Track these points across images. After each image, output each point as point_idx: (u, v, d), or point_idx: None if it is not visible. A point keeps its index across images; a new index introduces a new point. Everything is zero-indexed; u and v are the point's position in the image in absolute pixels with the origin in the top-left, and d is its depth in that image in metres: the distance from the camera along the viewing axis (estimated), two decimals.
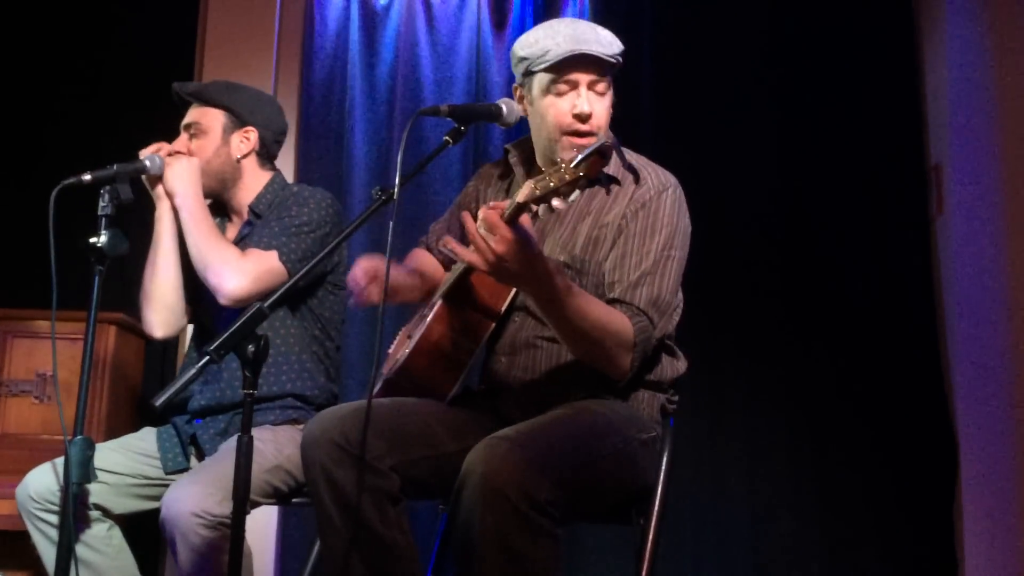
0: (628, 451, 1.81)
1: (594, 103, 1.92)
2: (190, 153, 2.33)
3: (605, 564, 3.16)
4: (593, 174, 1.53)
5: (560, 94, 1.92)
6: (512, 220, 1.59)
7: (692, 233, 1.99)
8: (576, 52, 1.89)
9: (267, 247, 2.22)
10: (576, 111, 1.90)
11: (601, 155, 1.52)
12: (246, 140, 2.37)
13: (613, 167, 1.97)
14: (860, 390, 3.27)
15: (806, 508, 3.21)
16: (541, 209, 1.55)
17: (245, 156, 2.38)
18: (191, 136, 2.35)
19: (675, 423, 1.99)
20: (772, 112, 3.44)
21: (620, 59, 1.95)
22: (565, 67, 1.91)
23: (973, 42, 3.33)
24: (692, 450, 3.20)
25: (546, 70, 1.92)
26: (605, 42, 1.92)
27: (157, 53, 3.39)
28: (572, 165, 1.52)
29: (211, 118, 2.35)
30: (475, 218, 1.69)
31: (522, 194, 1.58)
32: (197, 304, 2.39)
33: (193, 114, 2.37)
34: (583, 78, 1.91)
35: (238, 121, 2.37)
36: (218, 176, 2.36)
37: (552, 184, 1.53)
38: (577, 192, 1.55)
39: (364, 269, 1.97)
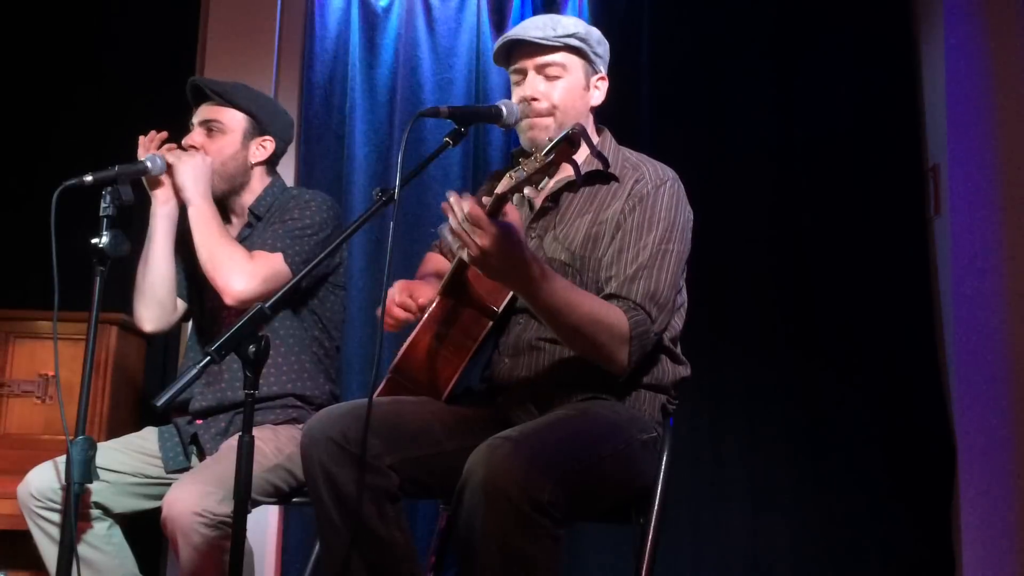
0: (629, 452, 1.81)
1: (539, 84, 1.98)
2: (205, 148, 2.34)
3: (604, 563, 3.16)
4: (562, 160, 1.57)
5: (516, 84, 2.03)
6: (494, 213, 1.61)
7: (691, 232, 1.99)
8: (507, 41, 2.01)
9: (272, 249, 2.24)
10: (521, 95, 1.99)
11: (569, 142, 1.55)
12: (263, 148, 2.40)
13: (612, 163, 1.99)
14: (858, 391, 3.27)
15: (804, 509, 3.22)
16: (516, 198, 1.59)
17: (259, 163, 2.41)
18: (209, 132, 2.36)
19: (675, 423, 2.00)
20: (771, 112, 3.45)
21: (572, 40, 1.98)
22: (511, 58, 2.02)
23: (970, 44, 3.34)
24: (692, 451, 3.21)
25: (506, 66, 2.05)
26: (541, 25, 2.00)
27: (158, 55, 3.40)
28: (543, 153, 1.57)
29: (233, 119, 2.37)
30: None
31: (501, 186, 1.62)
32: (198, 305, 2.41)
33: (213, 112, 2.37)
34: (527, 64, 2.00)
35: (258, 128, 2.39)
36: (230, 178, 2.37)
37: (525, 172, 1.58)
38: (547, 179, 1.60)
39: (400, 305, 1.96)
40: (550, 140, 1.58)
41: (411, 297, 1.96)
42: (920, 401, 3.26)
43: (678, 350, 2.01)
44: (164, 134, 2.34)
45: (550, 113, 1.97)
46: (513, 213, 1.64)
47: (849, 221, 3.36)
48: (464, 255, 1.65)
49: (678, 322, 2.00)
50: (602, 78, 2.06)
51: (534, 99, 1.97)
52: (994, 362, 3.20)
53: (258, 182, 2.41)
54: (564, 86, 1.98)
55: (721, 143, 3.43)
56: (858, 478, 3.21)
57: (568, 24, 2.01)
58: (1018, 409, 3.19)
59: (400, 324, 1.97)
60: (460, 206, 1.60)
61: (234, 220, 2.44)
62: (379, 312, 1.82)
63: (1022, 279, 3.24)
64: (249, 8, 3.45)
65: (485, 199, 1.65)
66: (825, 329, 3.32)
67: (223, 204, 2.43)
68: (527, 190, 1.59)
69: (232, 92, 2.38)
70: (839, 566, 3.18)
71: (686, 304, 2.03)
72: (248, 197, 2.40)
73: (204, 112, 2.37)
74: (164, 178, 2.29)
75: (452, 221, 1.62)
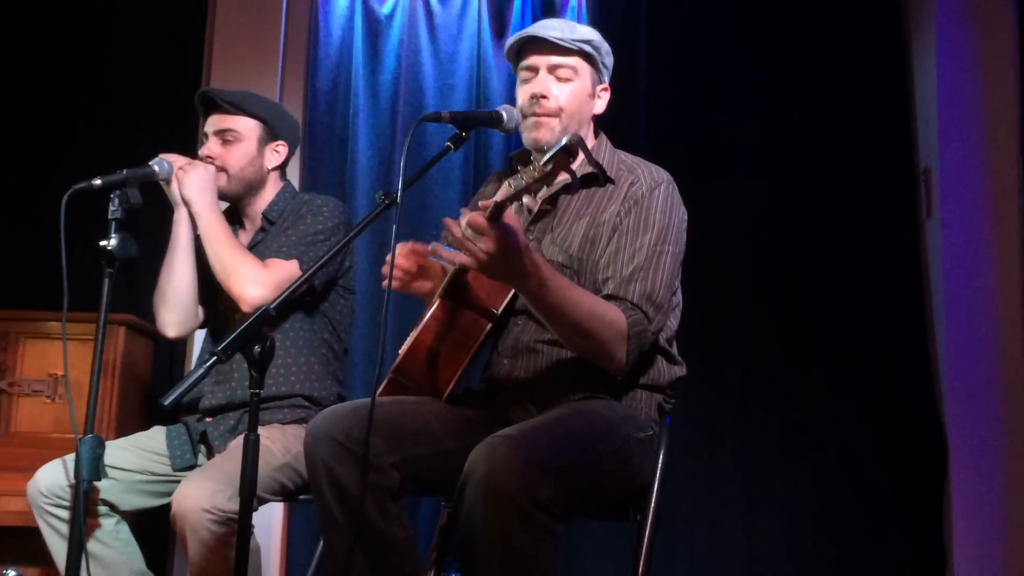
0: (626, 450, 1.82)
1: (550, 85, 1.99)
2: (222, 158, 2.37)
3: (602, 560, 3.18)
4: (559, 170, 1.58)
5: (525, 81, 2.03)
6: (494, 218, 1.62)
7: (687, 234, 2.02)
8: (524, 37, 2.01)
9: (287, 256, 2.26)
10: (531, 91, 1.99)
11: (567, 152, 1.56)
12: (276, 153, 2.43)
13: (607, 166, 2.00)
14: (852, 389, 3.30)
15: (798, 505, 3.25)
16: (514, 206, 1.61)
17: (274, 168, 2.43)
18: (224, 142, 2.38)
19: (671, 422, 2.01)
20: (766, 117, 3.47)
21: (587, 46, 2.00)
22: (523, 54, 2.03)
23: (961, 49, 3.37)
24: (687, 448, 3.22)
25: (515, 62, 2.06)
26: (559, 26, 2.01)
27: (165, 63, 3.42)
28: (541, 163, 1.58)
29: (247, 127, 2.39)
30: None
31: (500, 193, 1.64)
32: (211, 308, 2.43)
33: (226, 121, 2.39)
34: (540, 62, 2.00)
35: (271, 134, 2.42)
36: (247, 184, 2.40)
37: (524, 181, 1.59)
38: (545, 188, 1.61)
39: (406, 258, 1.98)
40: (547, 148, 1.59)
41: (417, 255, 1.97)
42: (912, 399, 3.30)
43: (674, 350, 2.03)
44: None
45: (556, 114, 1.98)
46: (512, 217, 1.65)
47: (842, 223, 3.39)
48: (468, 262, 1.66)
49: (673, 322, 2.01)
50: (605, 88, 2.07)
51: (544, 96, 1.97)
52: (984, 361, 3.24)
53: (271, 187, 2.44)
54: (574, 90, 1.99)
55: (717, 147, 3.45)
56: (851, 474, 3.24)
57: (584, 31, 2.03)
58: (1008, 407, 3.22)
59: (406, 277, 1.97)
60: (462, 219, 1.62)
61: (247, 225, 2.46)
62: (383, 314, 1.84)
63: (1011, 279, 3.28)
64: (254, 16, 3.46)
65: (482, 203, 1.66)
66: (819, 329, 3.35)
67: (237, 209, 2.46)
68: (525, 199, 1.61)
69: (243, 100, 2.40)
70: (833, 559, 3.21)
71: (681, 304, 2.05)
72: (261, 202, 2.43)
73: (217, 122, 2.40)
74: (170, 190, 2.32)
75: (456, 231, 1.63)
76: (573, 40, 1.99)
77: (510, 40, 2.05)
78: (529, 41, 2.02)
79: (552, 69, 2.00)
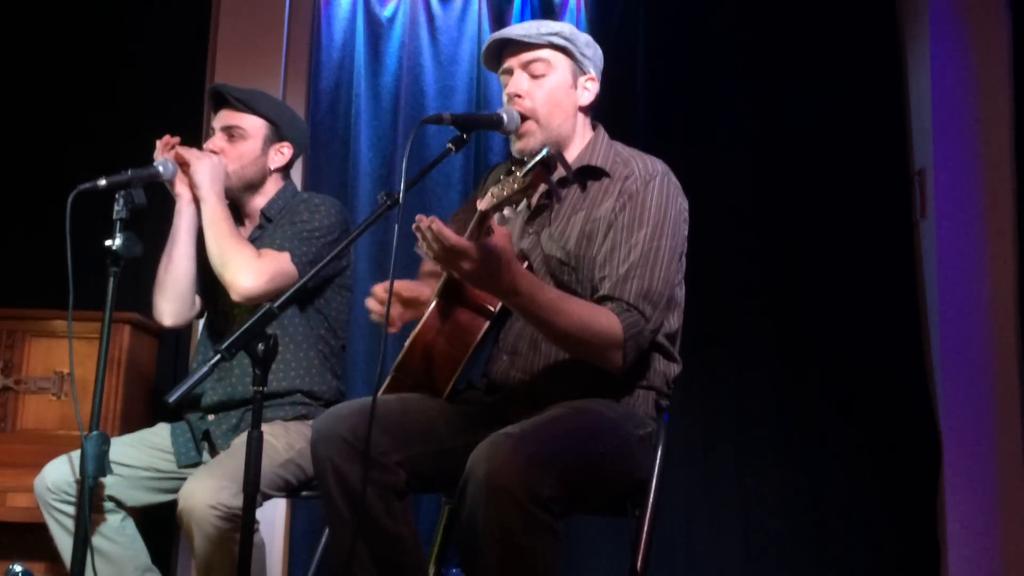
0: (625, 447, 1.83)
1: (524, 83, 1.99)
2: (225, 153, 2.39)
3: (600, 555, 3.20)
4: (538, 183, 1.59)
5: (505, 84, 2.04)
6: (477, 230, 1.63)
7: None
8: (493, 41, 2.03)
9: (280, 249, 2.29)
10: (507, 92, 2.01)
11: (545, 166, 1.58)
12: (281, 154, 2.45)
13: (602, 159, 2.00)
14: (847, 388, 3.33)
15: (794, 501, 3.27)
16: (497, 216, 1.63)
17: (277, 169, 2.45)
18: (230, 138, 2.40)
19: (668, 419, 2.02)
20: (762, 119, 3.49)
21: (556, 38, 1.99)
22: (498, 59, 2.04)
23: (954, 50, 3.40)
24: (685, 446, 3.24)
25: (497, 71, 2.07)
26: (526, 26, 2.02)
27: (170, 64, 3.44)
28: (521, 175, 1.59)
29: (254, 126, 2.41)
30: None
31: (484, 203, 1.66)
32: (211, 304, 2.45)
33: (234, 118, 2.41)
34: (513, 62, 2.01)
35: (277, 135, 2.44)
36: (247, 182, 2.42)
37: (505, 193, 1.61)
38: (524, 201, 1.63)
39: (378, 300, 2.00)
40: (529, 157, 1.61)
41: (406, 290, 1.99)
42: (906, 398, 3.32)
43: (674, 348, 2.02)
44: (177, 139, 2.39)
45: (532, 116, 1.97)
46: (500, 231, 1.65)
47: (838, 224, 3.41)
48: (453, 272, 1.67)
49: (675, 320, 1.99)
50: (591, 79, 2.04)
51: (518, 95, 1.97)
52: (978, 360, 3.27)
53: (272, 186, 2.47)
54: (549, 85, 1.98)
55: (712, 147, 3.47)
56: (846, 472, 3.26)
57: (553, 25, 2.02)
58: (1001, 406, 3.25)
59: (398, 322, 2.00)
60: (437, 238, 1.60)
61: (246, 222, 2.48)
62: (385, 312, 1.87)
63: (1006, 279, 3.30)
64: (258, 19, 3.48)
65: (479, 203, 1.67)
66: (814, 328, 3.37)
67: (236, 206, 2.48)
68: (507, 210, 1.62)
69: (253, 99, 2.42)
70: (828, 555, 3.23)
71: (683, 302, 2.03)
72: (261, 200, 2.45)
73: (225, 118, 2.42)
74: (180, 175, 2.34)
75: (427, 251, 1.64)
76: (540, 35, 1.99)
77: (484, 48, 2.06)
78: (504, 46, 2.03)
79: (525, 66, 1.99)
